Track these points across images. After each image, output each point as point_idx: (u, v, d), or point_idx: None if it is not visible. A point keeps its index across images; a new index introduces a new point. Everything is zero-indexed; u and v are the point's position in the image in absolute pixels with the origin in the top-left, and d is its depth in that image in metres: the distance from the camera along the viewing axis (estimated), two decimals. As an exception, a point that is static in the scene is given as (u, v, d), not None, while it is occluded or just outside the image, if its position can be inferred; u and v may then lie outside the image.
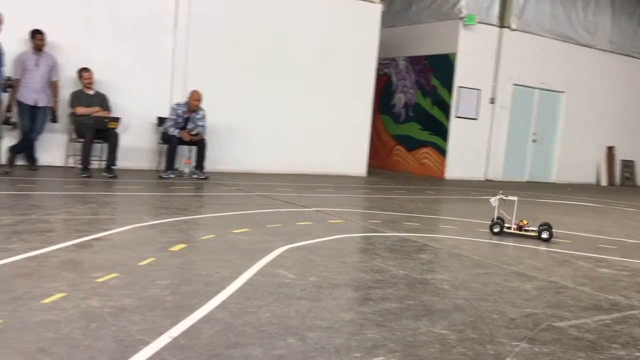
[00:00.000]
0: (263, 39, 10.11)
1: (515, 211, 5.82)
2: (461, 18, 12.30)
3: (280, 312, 2.79)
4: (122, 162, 8.42)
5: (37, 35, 7.90)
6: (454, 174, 12.75)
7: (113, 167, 7.99)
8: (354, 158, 11.39)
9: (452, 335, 2.66)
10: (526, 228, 5.59)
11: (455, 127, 12.70)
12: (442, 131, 12.82)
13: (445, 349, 2.49)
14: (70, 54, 8.37)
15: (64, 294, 2.81)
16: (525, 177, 13.93)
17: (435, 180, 12.13)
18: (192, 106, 8.55)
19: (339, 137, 11.09)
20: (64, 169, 8.39)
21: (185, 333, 2.43)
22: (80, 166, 7.96)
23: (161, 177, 8.30)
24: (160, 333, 2.40)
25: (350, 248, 4.64)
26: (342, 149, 11.18)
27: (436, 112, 12.95)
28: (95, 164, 8.30)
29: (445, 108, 12.76)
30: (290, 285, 3.28)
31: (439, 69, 12.87)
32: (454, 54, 12.51)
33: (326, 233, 4.97)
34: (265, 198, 7.01)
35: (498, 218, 5.66)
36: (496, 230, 5.61)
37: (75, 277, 3.13)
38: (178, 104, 8.65)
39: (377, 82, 12.00)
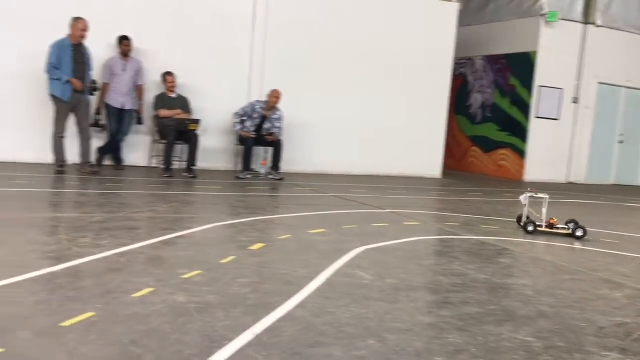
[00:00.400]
0: (339, 40, 10.16)
1: (546, 209, 5.61)
2: (543, 15, 11.89)
3: (359, 313, 2.79)
4: (202, 162, 8.68)
5: (124, 41, 8.28)
6: (534, 176, 12.34)
7: (193, 167, 8.26)
8: (428, 159, 11.25)
9: (538, 343, 2.57)
10: (557, 226, 5.51)
11: (536, 127, 12.29)
12: (521, 132, 12.43)
13: (530, 356, 2.41)
14: (154, 58, 8.72)
15: (152, 289, 2.93)
16: (611, 180, 13.28)
17: (513, 182, 11.78)
18: (271, 103, 8.72)
19: (414, 138, 10.98)
20: (148, 169, 8.75)
21: (268, 331, 2.48)
22: (162, 166, 8.27)
23: (238, 178, 8.50)
24: (244, 330, 2.46)
25: (427, 250, 4.58)
26: (417, 150, 11.06)
27: (515, 113, 12.58)
28: (176, 165, 8.61)
29: (524, 108, 12.37)
30: (368, 286, 3.28)
31: (518, 68, 12.49)
32: (535, 52, 12.11)
33: (402, 235, 4.94)
34: (340, 199, 7.04)
35: (527, 217, 5.62)
36: (530, 229, 5.50)
37: (162, 273, 3.26)
38: (258, 101, 8.85)
39: (453, 82, 11.79)
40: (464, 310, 2.97)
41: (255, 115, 8.77)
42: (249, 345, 2.31)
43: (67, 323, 2.40)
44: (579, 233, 5.37)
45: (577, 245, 5.15)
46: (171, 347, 2.24)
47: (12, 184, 6.28)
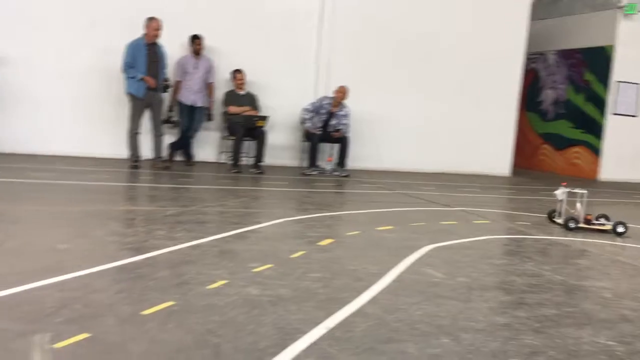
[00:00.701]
0: (407, 37, 10.06)
1: (581, 206, 5.41)
2: (620, 7, 11.37)
3: (431, 311, 2.76)
4: (268, 159, 8.80)
5: (195, 40, 8.50)
6: (610, 175, 11.83)
7: (260, 163, 8.39)
8: (498, 157, 10.98)
9: (620, 347, 2.47)
10: (598, 222, 5.35)
11: (612, 124, 11.77)
12: (596, 129, 11.94)
13: (613, 361, 2.32)
14: (224, 56, 8.90)
15: (226, 281, 3.00)
16: (694, 180, 12.56)
17: (587, 181, 11.32)
18: (338, 99, 8.74)
19: (483, 135, 10.74)
20: (217, 165, 8.95)
21: (340, 325, 2.49)
22: (231, 162, 8.45)
23: (304, 174, 8.57)
24: (316, 324, 2.48)
25: (499, 250, 4.48)
26: (486, 148, 10.82)
27: (590, 109, 12.09)
28: (244, 161, 8.77)
29: (600, 104, 11.88)
30: (439, 284, 3.24)
31: (593, 63, 12.00)
32: (611, 47, 11.60)
33: (472, 233, 4.84)
34: (408, 196, 6.97)
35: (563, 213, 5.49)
36: (572, 225, 5.32)
37: (234, 265, 3.32)
38: (325, 97, 8.89)
39: (524, 78, 11.44)
40: (540, 311, 2.89)
41: (323, 111, 8.82)
42: (322, 339, 2.33)
43: (148, 311, 2.49)
44: (620, 229, 5.19)
45: (659, 247, 4.91)
46: (247, 338, 2.28)
47: (91, 177, 6.57)
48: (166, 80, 7.86)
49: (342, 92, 8.75)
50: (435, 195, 7.20)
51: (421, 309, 2.79)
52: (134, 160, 7.72)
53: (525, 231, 5.17)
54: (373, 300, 2.86)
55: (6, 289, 2.63)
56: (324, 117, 8.82)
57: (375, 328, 2.49)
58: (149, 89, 7.58)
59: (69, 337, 2.16)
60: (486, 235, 4.81)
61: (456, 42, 10.40)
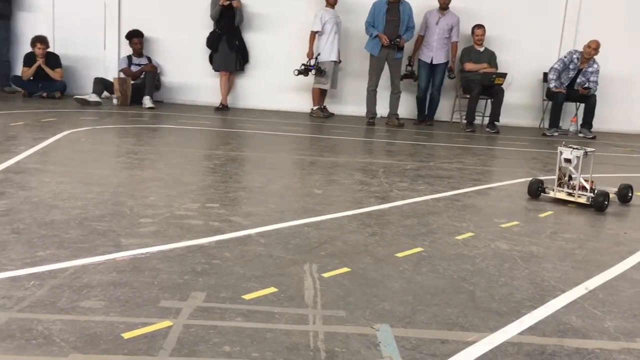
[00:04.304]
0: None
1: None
2: None
3: None
4: (503, 118, 8.42)
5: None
6: None
7: (496, 122, 8.09)
8: None
9: None
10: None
11: None
12: None
13: None
14: (463, 12, 8.64)
15: (473, 234, 2.99)
16: None
17: None
18: (587, 54, 7.97)
19: None
20: (450, 124, 8.86)
21: (602, 287, 2.33)
22: (464, 121, 8.29)
23: (545, 135, 8.07)
24: (575, 283, 2.36)
25: None
26: None
27: None
28: (477, 120, 8.53)
29: None
30: None
31: None
32: None
33: None
34: (669, 162, 6.17)
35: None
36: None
37: (479, 220, 3.29)
38: (574, 50, 8.16)
39: None
40: None
41: (571, 67, 8.12)
42: (583, 298, 2.21)
43: (400, 254, 2.60)
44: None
45: None
46: (500, 289, 2.26)
47: (335, 132, 6.98)
48: (398, 37, 7.82)
49: (594, 49, 7.94)
50: None
51: (699, 281, 2.48)
52: (370, 117, 8.00)
53: None
54: (638, 267, 2.62)
55: (274, 224, 2.95)
56: (571, 73, 8.14)
57: (643, 295, 2.28)
58: (384, 46, 7.73)
59: (333, 269, 2.36)
60: None
61: None
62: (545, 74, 8.61)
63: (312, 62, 8.14)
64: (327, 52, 8.21)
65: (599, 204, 3.66)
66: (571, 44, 8.70)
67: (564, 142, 4.03)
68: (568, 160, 3.87)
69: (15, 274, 2.11)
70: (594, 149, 3.92)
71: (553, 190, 3.94)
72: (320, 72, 8.14)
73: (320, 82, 8.32)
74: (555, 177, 3.97)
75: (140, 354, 1.62)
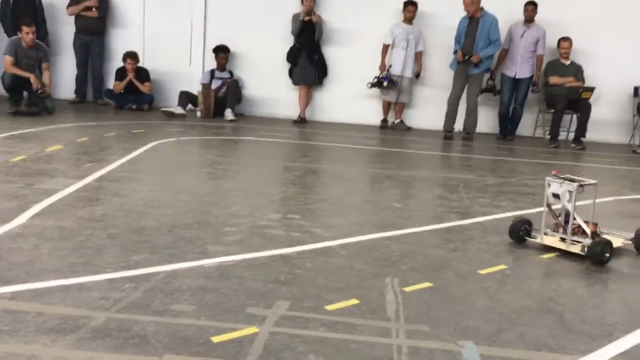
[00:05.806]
0: None
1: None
2: None
3: None
4: (590, 134, 8.08)
5: (528, 6, 8.01)
6: None
7: (582, 138, 7.78)
8: None
9: None
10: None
11: None
12: None
13: None
14: (547, 24, 8.38)
15: (556, 254, 2.89)
16: None
17: None
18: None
19: None
20: (532, 139, 8.59)
21: None
22: (548, 136, 8.02)
23: (635, 152, 7.68)
24: (673, 309, 2.23)
25: None
26: None
27: None
28: (562, 135, 8.23)
29: None
30: None
31: None
32: None
33: None
34: None
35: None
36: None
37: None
38: None
39: None
40: None
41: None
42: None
43: (484, 271, 2.56)
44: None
45: None
46: (590, 311, 2.18)
47: (413, 146, 6.94)
48: (469, 55, 7.64)
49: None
50: None
51: None
52: (448, 131, 7.88)
53: None
54: None
55: (354, 236, 2.97)
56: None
57: None
58: (459, 62, 7.65)
59: (415, 284, 2.35)
60: None
61: None
62: (637, 88, 8.21)
63: (384, 74, 8.19)
64: (399, 66, 8.26)
65: (596, 255, 2.76)
66: (665, 56, 8.27)
67: (554, 171, 3.17)
68: (556, 196, 3.00)
69: (112, 277, 2.24)
70: (595, 181, 3.08)
71: (546, 234, 3.02)
72: (392, 83, 8.17)
73: (383, 94, 8.41)
74: (543, 217, 3.04)
75: (228, 359, 1.68)
